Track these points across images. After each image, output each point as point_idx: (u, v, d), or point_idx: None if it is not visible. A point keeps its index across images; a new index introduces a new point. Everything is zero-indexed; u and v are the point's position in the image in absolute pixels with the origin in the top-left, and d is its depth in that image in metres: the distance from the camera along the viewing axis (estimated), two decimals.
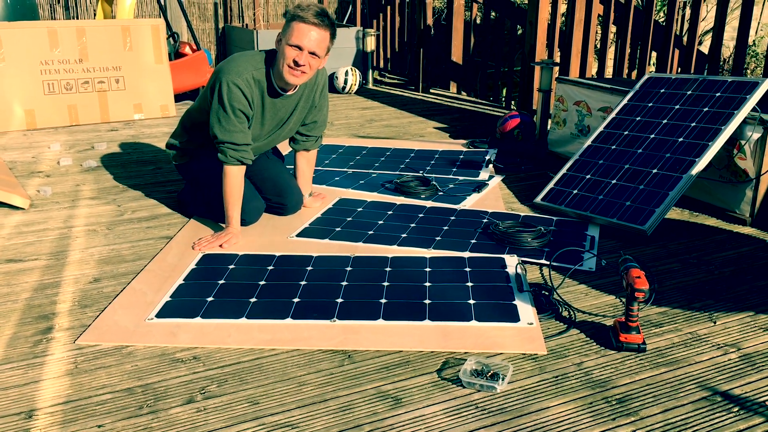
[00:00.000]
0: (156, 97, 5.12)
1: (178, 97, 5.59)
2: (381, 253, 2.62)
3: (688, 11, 7.06)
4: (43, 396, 1.74)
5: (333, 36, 2.65)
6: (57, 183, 3.56)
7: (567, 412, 1.68)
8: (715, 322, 2.13)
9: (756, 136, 2.90)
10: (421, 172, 3.70)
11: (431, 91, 6.33)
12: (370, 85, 6.58)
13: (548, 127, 4.30)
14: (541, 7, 4.85)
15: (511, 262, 2.52)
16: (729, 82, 3.15)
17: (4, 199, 3.11)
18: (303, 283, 2.35)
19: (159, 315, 2.13)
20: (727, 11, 3.80)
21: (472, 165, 3.86)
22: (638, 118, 3.30)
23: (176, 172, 3.65)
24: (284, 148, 3.75)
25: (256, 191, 2.92)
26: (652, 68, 6.46)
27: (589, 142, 3.35)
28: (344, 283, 2.34)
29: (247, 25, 7.23)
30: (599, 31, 5.13)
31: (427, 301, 2.21)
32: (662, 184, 2.90)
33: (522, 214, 3.09)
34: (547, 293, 2.28)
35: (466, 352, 1.94)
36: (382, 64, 7.20)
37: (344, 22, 7.46)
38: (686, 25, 6.98)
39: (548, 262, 2.53)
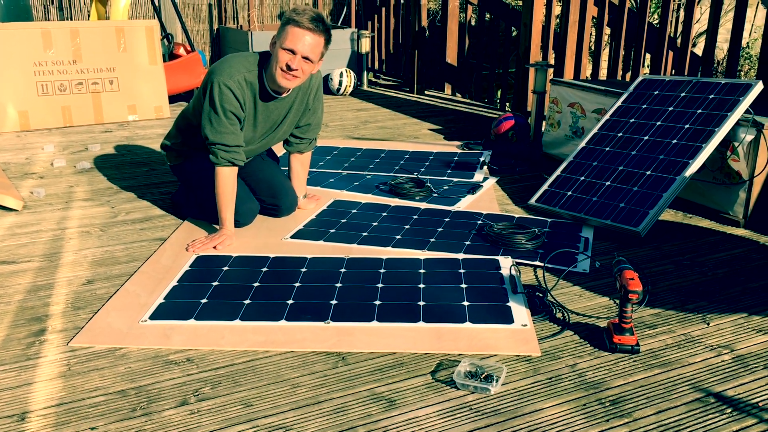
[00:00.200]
0: (150, 98, 5.11)
1: (173, 99, 5.58)
2: (375, 255, 2.62)
3: (682, 13, 7.09)
4: (36, 398, 1.74)
5: (327, 42, 2.65)
6: (50, 184, 3.55)
7: (561, 413, 1.69)
8: (708, 324, 2.14)
9: (749, 138, 2.91)
10: (415, 173, 3.70)
11: (426, 92, 6.34)
12: (365, 87, 6.58)
13: (543, 129, 4.30)
14: (535, 8, 4.86)
15: (506, 263, 2.53)
16: (722, 84, 3.16)
17: None
18: (297, 284, 2.35)
19: (152, 317, 2.13)
20: (721, 13, 3.81)
21: (466, 167, 3.86)
22: (632, 120, 3.31)
23: (170, 174, 3.64)
24: (279, 149, 3.74)
25: (250, 193, 2.92)
26: (646, 70, 6.48)
27: (583, 144, 3.36)
28: (338, 285, 2.34)
29: (241, 26, 7.22)
30: (593, 33, 5.15)
31: (421, 303, 2.21)
32: (656, 186, 2.90)
33: (516, 215, 3.09)
34: (541, 295, 2.28)
35: (460, 354, 1.94)
36: (376, 66, 7.20)
37: (339, 24, 7.46)
38: (680, 27, 7.01)
39: (542, 264, 2.53)
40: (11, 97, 4.65)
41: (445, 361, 1.91)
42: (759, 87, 3.00)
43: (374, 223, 2.96)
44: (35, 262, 2.59)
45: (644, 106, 3.35)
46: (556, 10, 5.33)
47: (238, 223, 2.81)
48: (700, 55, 4.41)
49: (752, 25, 8.79)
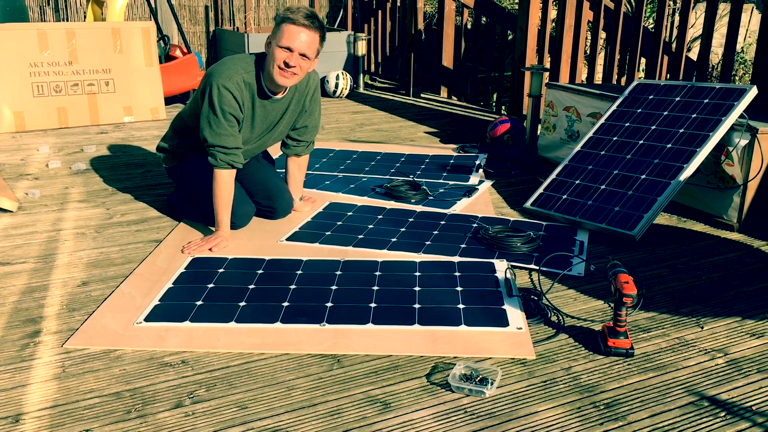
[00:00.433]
0: (146, 99, 5.11)
1: (169, 100, 5.58)
2: (371, 258, 2.62)
3: (677, 18, 7.11)
4: (31, 400, 1.73)
5: (323, 38, 2.65)
6: (46, 186, 3.55)
7: (555, 416, 1.69)
8: (702, 328, 2.14)
9: (743, 142, 2.93)
10: (411, 176, 3.71)
11: (422, 95, 6.35)
12: (361, 90, 6.59)
13: (538, 133, 4.31)
14: (531, 12, 4.88)
15: (501, 266, 2.53)
16: (717, 88, 3.17)
17: None
18: (292, 287, 2.35)
19: (148, 319, 2.13)
20: (716, 18, 3.83)
21: (462, 170, 3.87)
22: (627, 124, 3.32)
23: (166, 176, 3.64)
24: (275, 151, 3.74)
25: (246, 195, 2.92)
26: (641, 74, 6.50)
27: (578, 148, 3.37)
28: (334, 288, 2.34)
29: (237, 28, 7.22)
30: (589, 37, 5.16)
31: (416, 306, 2.21)
32: (651, 190, 2.91)
33: (511, 218, 3.10)
34: (536, 298, 2.29)
35: (455, 357, 1.94)
36: (373, 69, 7.21)
37: (335, 26, 7.47)
38: (675, 32, 7.03)
39: (537, 267, 2.54)
40: (7, 97, 4.64)
41: (440, 364, 1.91)
42: (753, 92, 3.02)
43: (370, 226, 2.97)
44: (30, 263, 2.59)
45: (639, 111, 3.36)
46: (552, 14, 5.35)
47: (234, 225, 2.81)
48: (695, 59, 4.43)
49: (747, 30, 8.83)
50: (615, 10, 4.46)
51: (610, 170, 3.14)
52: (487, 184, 3.63)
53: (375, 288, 2.34)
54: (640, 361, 1.95)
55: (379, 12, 6.97)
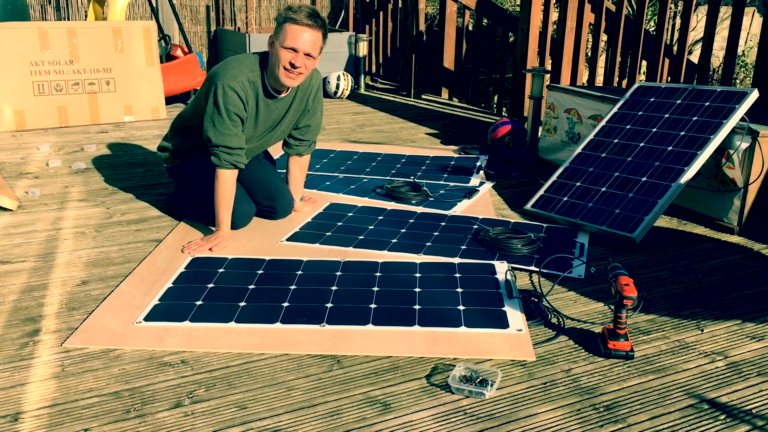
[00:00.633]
0: (147, 99, 5.11)
1: (169, 100, 5.58)
2: (371, 258, 2.62)
3: (678, 21, 7.11)
4: (30, 399, 1.73)
5: (325, 36, 2.65)
6: (46, 184, 3.55)
7: (555, 418, 1.69)
8: (702, 330, 2.14)
9: (744, 145, 2.93)
10: (411, 177, 3.71)
11: (423, 96, 6.35)
12: (362, 90, 6.59)
13: (539, 135, 4.31)
14: (532, 14, 4.88)
15: (501, 268, 2.53)
16: (718, 91, 3.17)
17: None
18: (293, 287, 2.34)
19: (147, 318, 2.12)
20: (717, 22, 3.83)
21: (462, 171, 3.87)
22: (628, 127, 3.32)
23: (166, 175, 3.64)
24: (276, 152, 3.74)
25: (246, 195, 2.92)
26: (643, 77, 6.50)
27: (579, 150, 3.37)
28: (334, 288, 2.34)
29: (239, 28, 7.22)
30: (590, 40, 5.16)
31: (416, 307, 2.21)
32: (651, 193, 2.91)
33: (512, 220, 3.10)
34: (536, 300, 2.28)
35: (455, 358, 1.94)
36: (374, 70, 7.21)
37: (337, 27, 7.47)
38: (676, 35, 7.03)
39: (538, 269, 2.54)
40: (7, 96, 4.64)
41: (440, 365, 1.91)
42: (754, 95, 3.02)
43: (370, 227, 2.96)
44: (30, 262, 2.58)
45: (640, 113, 3.36)
46: (554, 16, 5.35)
47: (234, 225, 2.81)
48: (696, 62, 4.43)
49: (748, 33, 8.83)
50: (616, 13, 4.46)
51: (610, 172, 3.14)
52: (488, 185, 3.63)
53: (375, 289, 2.34)
54: (640, 364, 1.94)
55: (381, 13, 6.97)
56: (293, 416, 1.68)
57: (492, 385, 1.78)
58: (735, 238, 2.94)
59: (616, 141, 3.29)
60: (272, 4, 7.54)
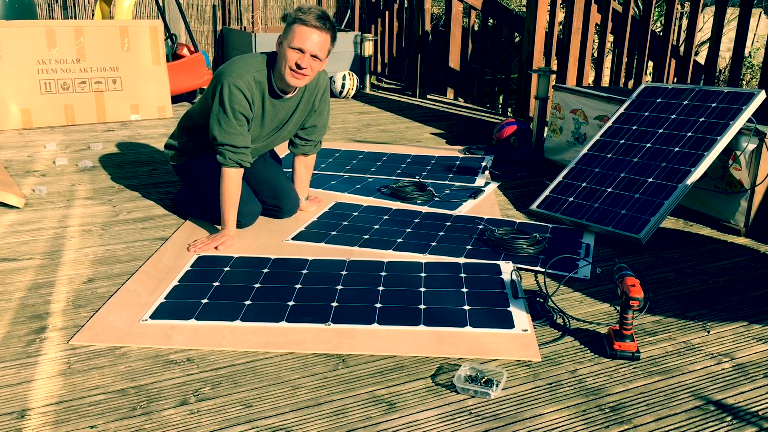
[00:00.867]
0: (153, 98, 5.12)
1: (175, 99, 5.59)
2: (376, 258, 2.62)
3: (684, 22, 7.10)
4: (36, 396, 1.74)
5: (334, 38, 2.66)
6: (52, 182, 3.56)
7: (561, 419, 1.69)
8: (708, 332, 2.14)
9: (751, 147, 2.92)
10: (417, 177, 3.71)
11: (428, 96, 6.34)
12: (368, 90, 6.59)
13: (544, 135, 4.31)
14: (539, 15, 4.87)
15: (507, 268, 2.53)
16: (725, 92, 3.16)
17: None
18: (298, 286, 2.35)
19: (153, 316, 2.13)
20: (724, 22, 3.82)
21: (468, 171, 3.87)
22: (634, 127, 3.32)
23: (172, 174, 3.65)
24: (282, 150, 3.75)
25: (252, 194, 2.92)
26: (649, 78, 6.49)
27: (585, 150, 3.36)
28: (339, 287, 2.34)
29: (245, 27, 7.23)
30: (596, 40, 5.16)
31: (422, 307, 2.21)
32: (658, 194, 2.91)
33: (517, 220, 3.10)
34: (541, 300, 2.28)
35: (460, 358, 1.94)
36: (379, 69, 7.21)
37: (343, 27, 7.48)
38: (683, 36, 7.02)
39: (543, 270, 2.53)
40: (14, 94, 4.65)
41: (445, 365, 1.91)
42: (761, 96, 3.01)
43: (375, 226, 2.96)
44: (36, 259, 2.59)
45: (647, 114, 3.35)
46: (560, 16, 5.34)
47: (240, 223, 2.82)
48: (703, 63, 4.42)
49: (755, 34, 8.81)
50: (623, 13, 4.46)
51: (616, 173, 3.13)
52: (493, 185, 3.63)
53: (380, 288, 2.34)
54: (646, 365, 1.94)
55: (387, 13, 6.97)
56: (298, 415, 1.68)
57: (497, 385, 1.78)
58: (741, 240, 2.93)
59: (622, 142, 3.28)
60: (278, 3, 7.55)
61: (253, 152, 2.85)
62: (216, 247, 2.66)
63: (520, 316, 2.16)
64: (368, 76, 6.64)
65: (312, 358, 1.93)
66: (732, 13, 5.96)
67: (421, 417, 1.68)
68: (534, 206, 3.21)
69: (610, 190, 3.07)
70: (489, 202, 3.37)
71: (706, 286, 2.48)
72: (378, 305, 2.21)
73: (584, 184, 3.17)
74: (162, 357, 1.93)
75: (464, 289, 2.34)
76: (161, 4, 6.23)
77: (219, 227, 2.82)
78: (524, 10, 5.89)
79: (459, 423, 1.66)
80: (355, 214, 3.13)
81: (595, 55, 5.42)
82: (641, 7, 6.48)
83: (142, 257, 2.62)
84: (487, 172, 3.85)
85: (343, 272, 2.47)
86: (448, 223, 3.02)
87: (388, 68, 7.18)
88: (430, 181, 3.64)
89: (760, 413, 1.72)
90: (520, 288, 2.35)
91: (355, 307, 2.20)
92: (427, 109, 5.82)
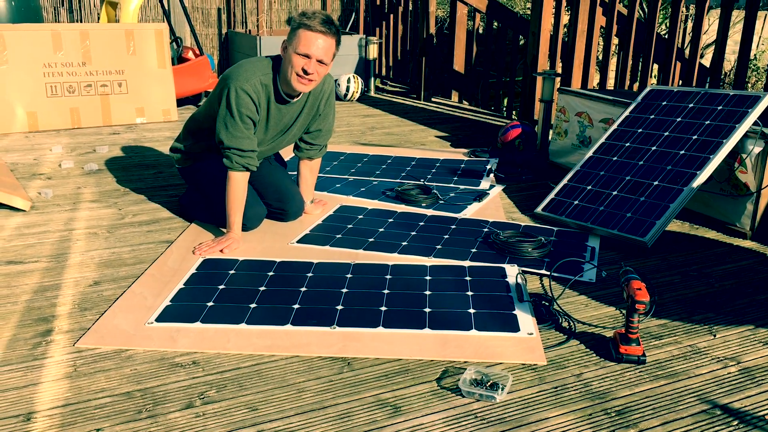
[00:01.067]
0: (158, 101, 5.13)
1: (181, 102, 5.60)
2: (381, 261, 2.62)
3: (690, 24, 7.09)
4: (42, 399, 1.74)
5: (338, 42, 2.66)
6: (58, 185, 3.57)
7: (566, 423, 1.68)
8: (715, 336, 2.13)
9: (757, 150, 2.91)
10: (422, 180, 3.71)
11: (433, 99, 6.34)
12: (372, 93, 6.59)
13: (549, 138, 4.31)
14: (543, 17, 4.87)
15: (512, 271, 2.53)
16: (731, 95, 3.16)
17: (5, 200, 3.11)
18: (303, 289, 2.35)
19: (159, 319, 2.13)
20: (730, 25, 3.81)
21: (473, 174, 3.87)
22: (640, 130, 3.31)
23: (178, 177, 3.65)
24: (287, 153, 3.75)
25: (257, 197, 2.92)
26: (654, 80, 6.48)
27: (590, 153, 3.36)
28: (344, 290, 2.34)
29: (250, 31, 7.25)
30: (601, 43, 5.15)
31: (427, 310, 2.21)
32: (663, 197, 2.90)
33: (523, 224, 3.09)
34: (547, 303, 2.28)
35: (465, 362, 1.94)
36: (384, 72, 7.21)
37: (347, 30, 7.49)
38: (688, 38, 7.01)
39: (548, 273, 2.53)
40: (20, 97, 4.67)
41: (450, 369, 1.91)
42: (767, 99, 3.00)
43: (380, 229, 2.97)
44: (42, 262, 2.60)
45: (652, 117, 3.35)
46: (565, 19, 5.34)
47: (245, 226, 2.82)
48: (708, 66, 4.41)
49: (760, 36, 8.78)
50: (628, 16, 4.45)
51: (622, 176, 3.13)
52: (498, 188, 3.62)
53: (385, 291, 2.34)
54: (651, 369, 1.94)
55: (391, 16, 6.98)
56: (304, 418, 1.68)
57: (503, 389, 1.77)
58: (747, 243, 2.92)
59: (627, 144, 3.28)
60: (283, 6, 7.56)
61: (258, 156, 2.85)
62: (221, 250, 2.66)
63: (526, 319, 2.16)
64: (373, 79, 6.64)
65: (317, 361, 1.93)
66: (737, 16, 5.95)
67: (427, 420, 1.68)
68: (539, 209, 3.21)
69: (615, 193, 3.06)
70: (494, 205, 3.37)
71: (712, 289, 2.47)
72: (383, 308, 2.21)
73: (589, 187, 3.17)
74: (167, 360, 1.93)
75: (469, 293, 2.34)
76: (167, 8, 6.25)
77: (224, 230, 2.82)
78: (529, 13, 5.89)
79: (464, 427, 1.66)
80: (360, 217, 3.13)
81: (600, 57, 5.41)
82: (646, 9, 6.48)
83: (147, 260, 2.63)
84: (492, 175, 3.85)
85: (348, 275, 2.47)
86: (453, 226, 3.02)
87: (392, 71, 7.18)
88: (434, 184, 3.64)
89: (766, 417, 1.72)
90: (525, 291, 2.35)
91: (360, 310, 2.20)
92: (431, 112, 5.82)
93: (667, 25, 4.73)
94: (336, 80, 6.17)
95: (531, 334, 2.08)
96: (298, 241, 2.81)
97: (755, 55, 8.67)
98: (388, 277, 2.47)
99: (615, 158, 3.25)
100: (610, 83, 6.00)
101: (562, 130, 4.01)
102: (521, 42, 6.46)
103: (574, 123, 3.91)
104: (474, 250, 2.73)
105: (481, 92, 6.21)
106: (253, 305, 2.22)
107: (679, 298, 2.39)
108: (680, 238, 2.98)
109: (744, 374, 1.91)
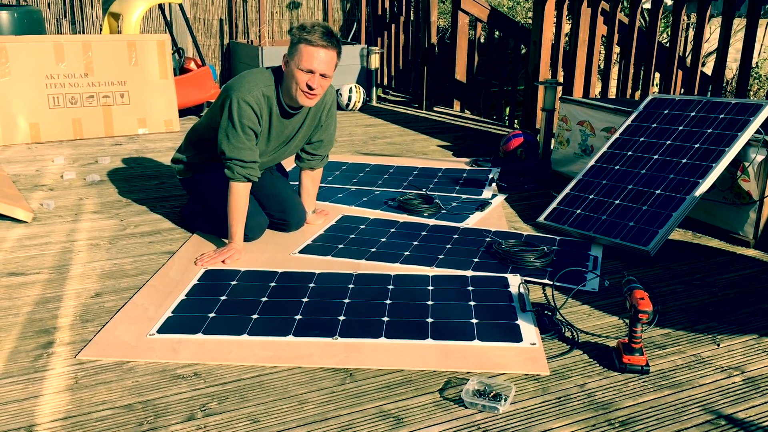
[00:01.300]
0: (160, 112, 5.14)
1: (183, 113, 5.61)
2: (383, 271, 2.61)
3: (691, 33, 7.10)
4: (43, 411, 1.74)
5: (339, 54, 2.67)
6: (60, 196, 3.57)
7: None
8: (718, 345, 2.12)
9: (760, 158, 2.91)
10: (424, 189, 3.70)
11: (435, 109, 6.35)
12: (374, 103, 6.60)
13: (551, 147, 4.30)
14: (545, 27, 4.88)
15: (514, 281, 2.52)
16: (733, 104, 3.15)
17: (7, 212, 3.11)
18: (305, 300, 2.34)
19: (160, 330, 2.13)
20: (731, 33, 3.82)
21: (475, 183, 3.86)
22: (642, 139, 3.31)
23: (179, 188, 3.65)
24: (289, 164, 3.75)
25: (259, 207, 2.92)
26: (656, 89, 6.48)
27: (592, 162, 3.36)
28: (346, 301, 2.34)
29: (252, 41, 7.27)
30: (603, 52, 5.16)
31: (429, 320, 2.20)
32: (666, 205, 2.89)
33: (525, 233, 3.09)
34: (549, 313, 2.27)
35: (468, 372, 1.93)
36: (386, 82, 7.22)
37: (349, 40, 7.50)
38: (690, 47, 7.01)
39: (551, 282, 2.52)
40: (22, 109, 4.68)
41: (453, 379, 1.90)
42: None
43: (382, 239, 2.96)
44: (44, 274, 2.60)
45: (654, 125, 3.34)
46: (566, 28, 5.35)
47: (247, 237, 2.82)
48: (710, 74, 4.41)
49: (761, 45, 8.79)
50: (629, 25, 4.46)
51: (624, 185, 3.12)
52: (501, 198, 3.62)
53: (387, 302, 2.34)
54: (655, 379, 1.92)
55: (393, 26, 7.00)
56: (306, 430, 1.68)
57: (506, 400, 1.77)
58: (750, 252, 2.91)
59: (629, 153, 3.28)
60: (284, 17, 7.59)
61: (259, 167, 2.85)
62: (223, 261, 2.66)
63: (528, 329, 2.15)
64: (374, 88, 6.65)
65: (319, 373, 1.93)
66: (739, 24, 5.95)
67: None
68: (541, 218, 3.20)
69: (617, 202, 3.06)
70: (496, 214, 3.36)
71: (716, 298, 2.46)
72: (385, 319, 2.21)
73: (592, 196, 3.16)
74: (169, 371, 1.92)
75: (472, 303, 2.33)
76: (169, 19, 6.27)
77: (226, 241, 2.82)
78: (530, 22, 5.91)
79: None
80: (362, 227, 3.13)
81: (602, 66, 5.42)
82: (647, 18, 6.49)
83: (149, 271, 2.62)
84: (494, 184, 3.85)
85: (350, 285, 2.47)
86: (456, 236, 3.01)
87: (394, 81, 7.19)
88: (437, 193, 3.64)
89: None
90: (527, 301, 2.34)
91: (362, 321, 2.19)
92: (433, 121, 5.83)
93: (669, 33, 4.73)
94: (338, 90, 6.18)
95: (534, 344, 2.07)
96: (299, 252, 2.81)
97: (757, 63, 8.68)
98: (391, 287, 2.46)
99: (617, 167, 3.24)
100: (612, 92, 6.00)
101: (564, 139, 4.01)
102: (523, 51, 6.47)
103: (576, 132, 3.91)
104: (476, 260, 2.73)
105: (482, 101, 6.22)
106: (254, 316, 2.22)
107: (682, 308, 2.38)
108: (683, 246, 2.97)
109: (748, 384, 1.90)
